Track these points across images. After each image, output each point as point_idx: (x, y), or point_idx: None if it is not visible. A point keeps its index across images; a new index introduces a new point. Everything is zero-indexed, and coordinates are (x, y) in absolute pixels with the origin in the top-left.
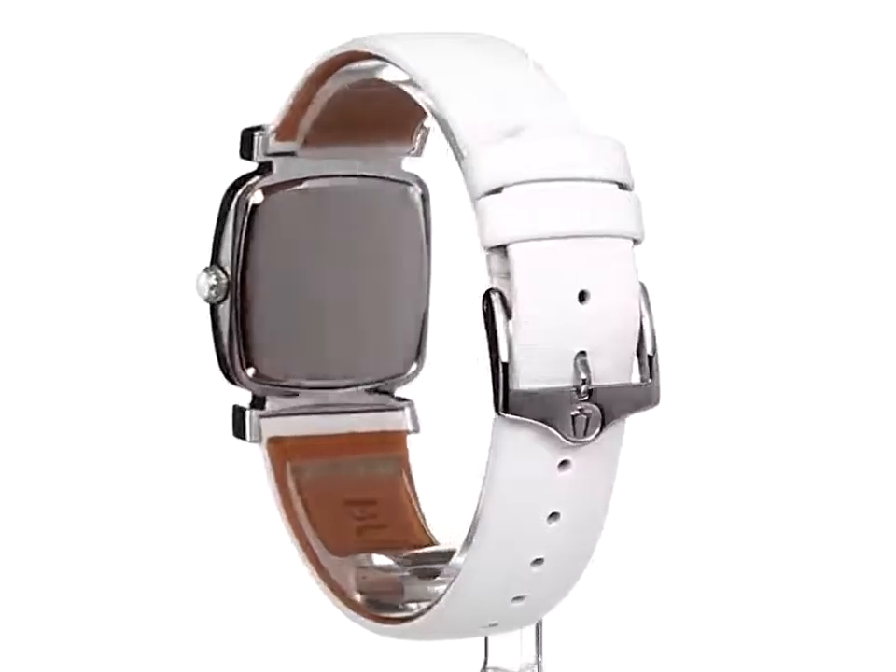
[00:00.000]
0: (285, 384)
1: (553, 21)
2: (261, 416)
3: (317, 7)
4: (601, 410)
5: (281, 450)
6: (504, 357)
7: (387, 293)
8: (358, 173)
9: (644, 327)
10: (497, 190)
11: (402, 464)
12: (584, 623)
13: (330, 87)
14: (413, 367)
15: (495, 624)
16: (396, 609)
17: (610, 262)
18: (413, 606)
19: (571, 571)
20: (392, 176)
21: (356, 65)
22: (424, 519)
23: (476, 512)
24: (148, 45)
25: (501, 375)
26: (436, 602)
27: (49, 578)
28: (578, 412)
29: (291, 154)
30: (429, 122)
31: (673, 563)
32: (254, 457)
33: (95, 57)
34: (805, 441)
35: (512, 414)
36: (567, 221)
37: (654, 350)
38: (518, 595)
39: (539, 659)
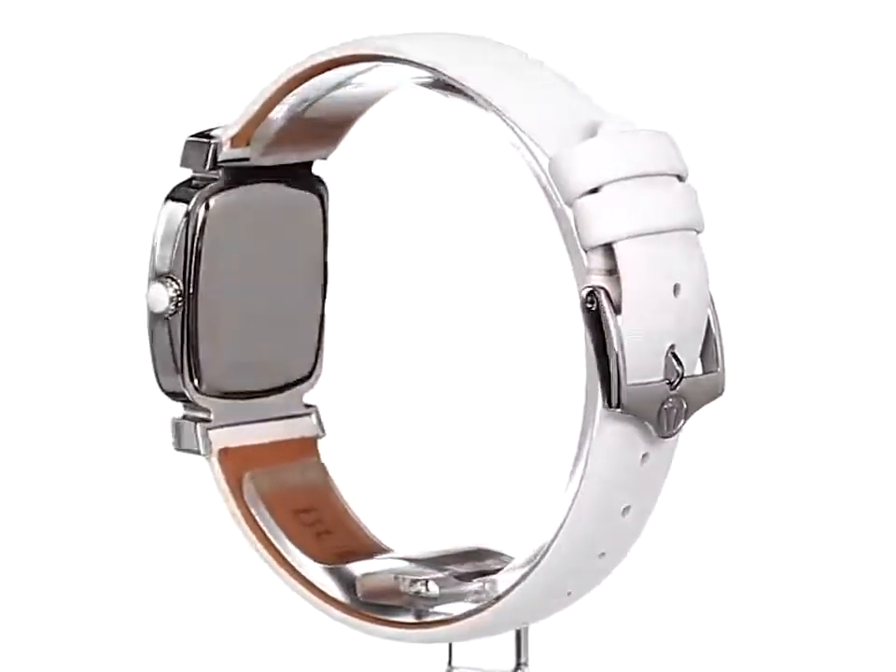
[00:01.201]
0: (230, 394)
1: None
2: (209, 429)
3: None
4: (685, 402)
5: (234, 461)
6: (618, 352)
7: (301, 296)
8: (287, 178)
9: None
10: (595, 190)
11: (326, 468)
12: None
13: (310, 90)
14: (318, 370)
15: (527, 622)
16: (419, 613)
17: (691, 254)
18: (450, 609)
19: (614, 565)
20: (309, 181)
21: (349, 68)
22: (361, 522)
23: (565, 509)
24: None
25: (615, 370)
26: (490, 604)
27: None
28: (669, 405)
29: (243, 161)
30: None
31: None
32: (179, 470)
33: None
34: (807, 439)
35: (622, 409)
36: (660, 216)
37: (720, 338)
38: (571, 590)
39: (526, 660)
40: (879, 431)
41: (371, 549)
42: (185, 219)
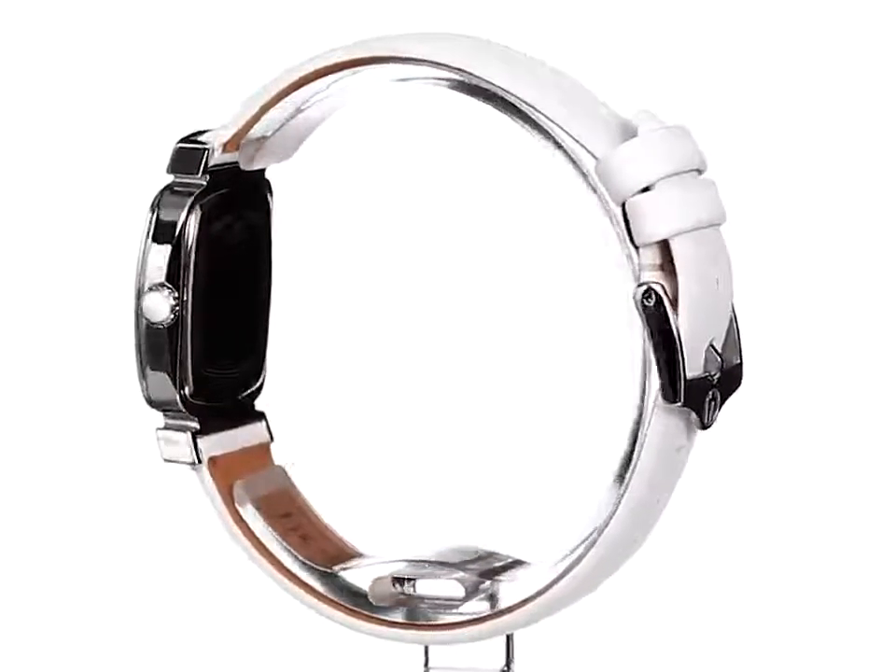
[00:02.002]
0: (214, 400)
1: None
2: (197, 437)
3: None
4: (720, 394)
5: (221, 469)
6: (678, 347)
7: (261, 298)
8: (251, 182)
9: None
10: (647, 188)
11: (288, 473)
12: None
13: (306, 93)
14: (265, 374)
15: (546, 618)
16: (415, 614)
17: (723, 247)
18: (477, 608)
19: (633, 554)
20: (263, 185)
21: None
22: (328, 524)
23: (614, 505)
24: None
25: (678, 365)
26: (524, 602)
27: None
28: (710, 397)
29: (230, 166)
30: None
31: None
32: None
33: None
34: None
35: (681, 403)
36: (705, 211)
37: (738, 330)
38: (596, 585)
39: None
40: (878, 426)
41: (350, 552)
42: (181, 228)
